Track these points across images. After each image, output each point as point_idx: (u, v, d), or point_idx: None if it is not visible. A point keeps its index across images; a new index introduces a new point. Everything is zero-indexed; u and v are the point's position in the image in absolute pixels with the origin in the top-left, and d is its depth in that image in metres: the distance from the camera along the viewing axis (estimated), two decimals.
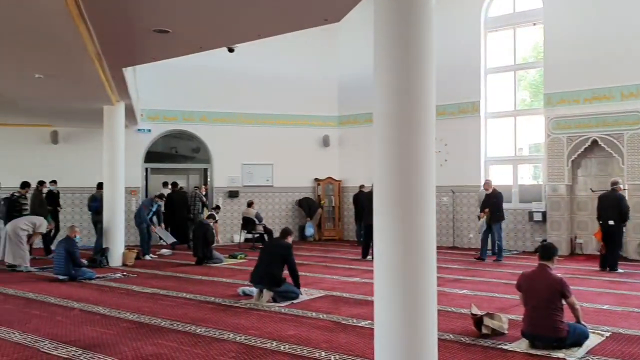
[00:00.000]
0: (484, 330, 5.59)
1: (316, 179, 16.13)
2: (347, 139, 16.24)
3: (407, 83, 3.94)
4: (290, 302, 7.22)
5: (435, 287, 4.02)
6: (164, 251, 12.44)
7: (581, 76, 12.40)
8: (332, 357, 4.93)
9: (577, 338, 5.14)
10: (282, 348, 5.22)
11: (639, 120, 11.62)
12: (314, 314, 6.63)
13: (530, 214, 13.23)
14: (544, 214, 12.95)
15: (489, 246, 11.84)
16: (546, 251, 5.35)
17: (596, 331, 5.66)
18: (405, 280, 3.85)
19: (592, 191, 12.27)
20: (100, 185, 12.06)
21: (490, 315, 5.70)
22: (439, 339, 5.09)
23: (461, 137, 14.07)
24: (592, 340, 5.33)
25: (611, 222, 9.97)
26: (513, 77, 14.08)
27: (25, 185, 11.45)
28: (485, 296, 7.76)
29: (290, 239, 7.60)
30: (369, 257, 11.19)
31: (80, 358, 4.92)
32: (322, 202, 16.00)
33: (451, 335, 5.62)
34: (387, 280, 3.89)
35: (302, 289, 7.80)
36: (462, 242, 14.28)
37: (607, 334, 5.62)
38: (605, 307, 6.98)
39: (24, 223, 10.29)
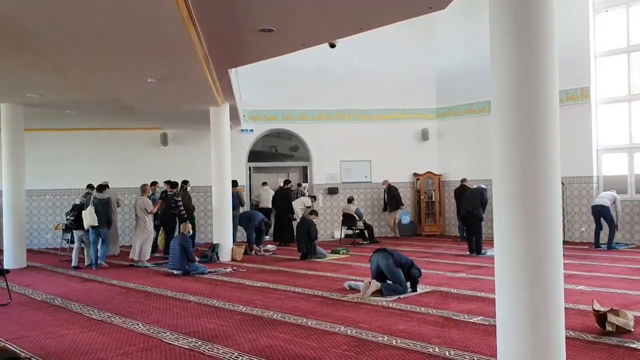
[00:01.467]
0: (608, 328, 5.28)
1: (415, 174, 15.93)
2: (446, 132, 15.91)
3: (529, 67, 3.74)
4: (397, 296, 7.18)
5: (562, 283, 3.83)
6: (269, 247, 12.78)
7: None
8: (447, 353, 4.85)
9: None
10: (394, 342, 5.20)
11: None
12: (422, 309, 6.55)
13: None
14: None
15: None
16: None
17: None
18: (530, 276, 3.69)
19: None
20: (234, 184, 12.98)
21: (615, 312, 5.37)
22: None
23: (570, 126, 13.27)
24: None
25: None
26: (627, 60, 13.16)
27: (175, 184, 12.04)
28: (604, 292, 7.32)
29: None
30: (483, 251, 11.00)
31: (201, 349, 5.15)
32: (422, 197, 15.78)
33: (572, 333, 5.34)
34: (510, 276, 3.75)
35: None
36: (573, 236, 13.56)
37: None
38: None
39: None
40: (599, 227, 12.14)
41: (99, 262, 10.49)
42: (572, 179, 13.45)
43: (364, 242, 13.66)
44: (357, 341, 5.27)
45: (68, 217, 10.85)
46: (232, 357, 4.88)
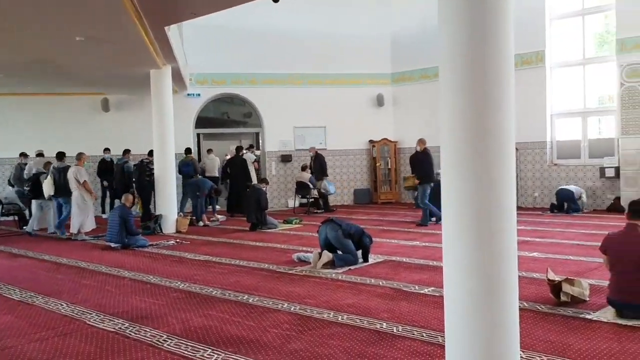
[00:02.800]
0: (563, 298, 5.03)
1: (371, 141, 15.56)
2: (402, 98, 15.54)
3: (483, 28, 3.28)
4: (347, 267, 6.83)
5: (515, 253, 3.49)
6: (218, 217, 12.27)
7: None
8: (395, 329, 4.51)
9: None
10: (339, 319, 4.83)
11: None
12: (373, 280, 6.21)
13: (602, 170, 12.30)
14: (617, 169, 12.00)
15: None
16: (637, 209, 4.68)
17: None
18: (481, 245, 3.33)
19: None
20: (188, 151, 13.00)
21: (570, 281, 5.13)
22: None
23: (525, 90, 13.08)
24: None
25: None
26: (581, 23, 12.95)
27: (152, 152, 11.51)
28: (558, 259, 7.14)
29: None
30: (432, 219, 10.64)
31: (127, 331, 4.68)
32: (378, 164, 15.46)
33: (525, 304, 5.08)
34: (459, 246, 3.37)
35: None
36: (526, 202, 13.51)
37: None
38: None
39: None
40: (559, 207, 12.05)
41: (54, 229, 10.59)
42: (525, 144, 13.33)
43: (319, 211, 13.29)
44: (300, 319, 4.88)
45: (25, 186, 11.21)
46: (160, 340, 4.42)
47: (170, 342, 4.36)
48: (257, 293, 5.81)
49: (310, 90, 14.83)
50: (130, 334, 4.59)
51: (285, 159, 14.88)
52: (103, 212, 13.42)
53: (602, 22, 13.27)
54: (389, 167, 15.59)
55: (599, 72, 12.98)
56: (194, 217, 11.60)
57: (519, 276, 6.23)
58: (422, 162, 10.78)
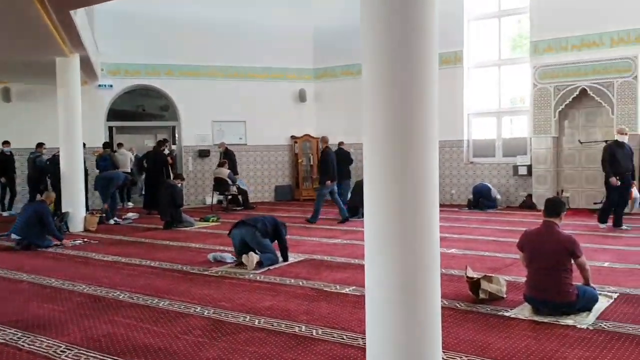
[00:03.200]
0: (481, 295, 5.02)
1: (293, 137, 15.36)
2: (325, 93, 15.43)
3: (406, 24, 3.14)
4: (267, 268, 6.57)
5: (438, 248, 3.38)
6: (130, 215, 11.65)
7: (569, 22, 11.73)
8: (314, 332, 4.31)
9: (586, 302, 4.60)
10: (256, 322, 4.58)
11: (629, 68, 11.04)
12: (292, 280, 6.00)
13: (515, 167, 12.72)
14: (529, 167, 12.45)
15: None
16: (553, 206, 4.74)
17: (603, 292, 5.14)
18: (403, 244, 3.19)
19: (580, 143, 11.77)
20: (106, 145, 12.75)
21: (488, 278, 5.13)
22: None
23: (444, 89, 13.17)
24: (601, 304, 4.80)
25: None
26: (497, 25, 13.33)
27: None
28: (476, 255, 7.22)
29: None
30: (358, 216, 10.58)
31: (20, 342, 4.21)
32: (300, 160, 15.28)
33: (445, 302, 5.02)
34: (380, 245, 3.22)
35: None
36: (444, 199, 13.75)
37: (615, 295, 5.10)
38: (606, 264, 6.48)
39: None
40: (475, 203, 12.34)
41: None
42: (443, 143, 13.54)
43: (238, 209, 12.94)
44: (214, 324, 4.59)
45: None
46: (57, 351, 4.01)
47: (69, 354, 3.96)
48: (169, 296, 5.46)
49: (230, 83, 14.42)
50: (22, 346, 4.14)
51: (203, 154, 14.40)
52: (2, 209, 12.46)
53: (517, 25, 13.71)
54: (311, 163, 15.44)
55: (514, 73, 13.41)
56: (104, 215, 10.94)
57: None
58: (321, 162, 10.78)
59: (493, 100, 13.52)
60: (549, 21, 11.96)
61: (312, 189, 15.49)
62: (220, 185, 12.90)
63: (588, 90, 11.45)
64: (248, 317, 4.74)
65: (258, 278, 6.16)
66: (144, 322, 4.67)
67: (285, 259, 6.90)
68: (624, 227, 8.88)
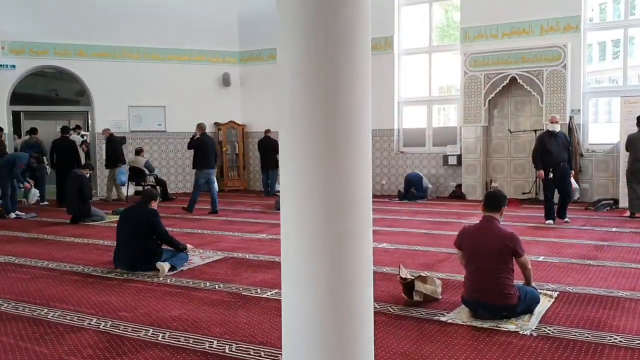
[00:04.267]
0: (416, 297, 4.57)
1: (216, 124, 14.55)
2: (250, 78, 14.70)
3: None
4: (180, 269, 5.88)
5: (371, 249, 2.86)
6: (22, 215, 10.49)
7: (499, 9, 11.59)
8: (227, 348, 3.71)
9: (528, 304, 4.23)
10: (160, 337, 3.92)
11: (559, 56, 10.98)
12: (208, 284, 5.35)
13: (445, 157, 12.52)
14: (458, 157, 12.27)
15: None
16: (493, 200, 4.32)
17: (542, 290, 4.81)
18: (328, 243, 2.63)
19: (510, 132, 11.68)
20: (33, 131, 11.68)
21: (422, 279, 4.69)
22: None
23: (374, 76, 12.84)
24: (543, 305, 4.45)
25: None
26: (428, 10, 13.03)
27: None
28: (408, 250, 6.81)
29: (154, 204, 6.09)
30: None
31: None
32: (224, 148, 14.51)
33: (377, 305, 4.55)
34: (300, 244, 2.65)
35: (198, 251, 6.55)
36: (374, 189, 13.41)
37: (555, 294, 4.78)
38: (541, 258, 6.22)
39: None
40: (406, 193, 12.05)
41: None
42: (374, 132, 13.13)
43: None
44: (110, 340, 3.89)
45: None
46: None
47: None
48: (62, 306, 4.69)
49: (148, 66, 13.43)
50: None
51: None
52: None
53: (449, 11, 13.49)
54: (237, 152, 14.72)
55: (444, 60, 13.19)
56: (3, 208, 9.83)
57: None
58: (195, 149, 10.38)
59: (424, 88, 13.24)
60: (479, 8, 11.76)
61: (237, 179, 14.81)
62: (136, 174, 11.98)
63: (518, 78, 11.34)
64: (151, 330, 4.07)
65: (169, 281, 5.47)
66: (25, 339, 3.92)
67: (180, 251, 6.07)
68: (565, 219, 8.59)
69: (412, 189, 12.07)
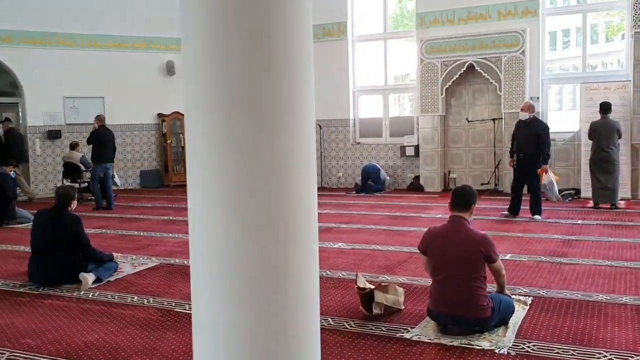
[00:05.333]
0: (376, 310, 3.98)
1: (160, 115, 13.65)
2: None
3: None
4: (107, 280, 5.13)
5: (316, 252, 2.25)
6: None
7: None
8: None
9: (502, 315, 3.70)
10: None
11: (517, 42, 10.58)
12: (136, 298, 4.62)
13: (402, 148, 12.01)
14: (416, 148, 11.78)
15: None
16: (462, 198, 3.74)
17: (515, 296, 4.29)
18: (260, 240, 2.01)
19: (468, 122, 11.26)
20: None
21: (383, 288, 4.09)
22: None
23: (327, 64, 12.33)
24: (518, 314, 3.93)
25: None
26: None
27: None
28: (366, 250, 6.23)
29: (73, 205, 5.30)
30: None
31: None
32: (169, 141, 13.65)
33: (330, 320, 3.95)
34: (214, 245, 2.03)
35: (130, 257, 5.81)
36: (330, 182, 12.83)
37: (530, 301, 4.27)
38: (508, 256, 5.73)
39: None
40: (363, 185, 11.50)
41: None
42: (329, 122, 12.60)
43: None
44: None
45: None
46: None
47: None
48: None
49: (85, 53, 12.40)
50: None
51: (53, 135, 12.32)
52: None
53: (402, 0, 12.99)
54: (182, 145, 13.85)
55: (401, 48, 12.68)
56: None
57: (322, 276, 5.18)
58: (93, 143, 9.86)
59: (379, 77, 12.69)
60: None
61: (183, 174, 13.95)
62: (71, 171, 11.02)
63: (475, 65, 10.89)
64: None
65: (91, 296, 4.71)
66: None
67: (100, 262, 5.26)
68: (535, 216, 7.87)
69: (370, 182, 11.54)
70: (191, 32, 2.06)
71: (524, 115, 7.91)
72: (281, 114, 2.01)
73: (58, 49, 12.23)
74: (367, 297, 4.02)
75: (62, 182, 11.24)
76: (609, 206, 8.57)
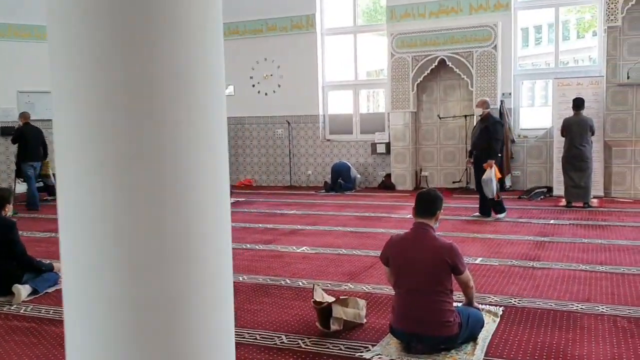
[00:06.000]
0: (334, 326, 3.63)
1: None
2: None
3: None
4: (44, 292, 4.69)
5: (230, 268, 1.86)
6: None
7: None
8: None
9: (471, 330, 3.38)
10: None
11: (489, 36, 10.33)
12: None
13: (374, 145, 11.70)
14: (387, 145, 11.47)
15: None
16: (426, 203, 3.40)
17: (485, 306, 3.99)
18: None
19: (440, 118, 10.98)
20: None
21: (342, 302, 3.75)
22: (262, 347, 3.10)
23: (296, 58, 12.00)
24: (488, 328, 3.62)
25: None
26: None
27: None
28: (331, 254, 5.88)
29: (8, 210, 4.83)
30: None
31: None
32: None
33: (284, 338, 3.59)
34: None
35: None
36: (300, 180, 12.46)
37: (500, 311, 3.96)
38: (478, 260, 5.44)
39: None
40: (333, 184, 11.15)
41: None
42: (298, 118, 12.22)
43: (50, 198, 10.57)
44: None
45: None
46: None
47: None
48: None
49: (40, 46, 11.80)
50: None
51: (7, 131, 11.71)
52: None
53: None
54: None
55: (372, 42, 12.36)
56: None
57: (283, 285, 4.82)
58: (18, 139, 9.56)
59: (350, 72, 12.35)
60: None
61: None
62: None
63: (447, 60, 10.61)
64: None
65: (22, 311, 4.27)
66: None
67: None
68: (490, 217, 7.67)
69: (340, 180, 11.21)
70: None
71: (479, 112, 7.69)
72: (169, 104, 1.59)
73: (10, 41, 11.64)
74: (324, 312, 3.67)
75: (15, 182, 10.67)
76: (581, 205, 8.37)
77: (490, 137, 7.44)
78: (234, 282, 4.87)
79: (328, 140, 12.27)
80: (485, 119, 7.61)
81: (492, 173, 7.41)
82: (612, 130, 9.13)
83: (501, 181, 7.64)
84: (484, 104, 7.70)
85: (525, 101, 11.65)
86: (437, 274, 3.21)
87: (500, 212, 7.65)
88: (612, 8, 8.93)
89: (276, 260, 5.61)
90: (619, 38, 9.08)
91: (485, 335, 3.51)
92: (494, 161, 7.46)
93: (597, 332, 3.57)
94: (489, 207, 7.68)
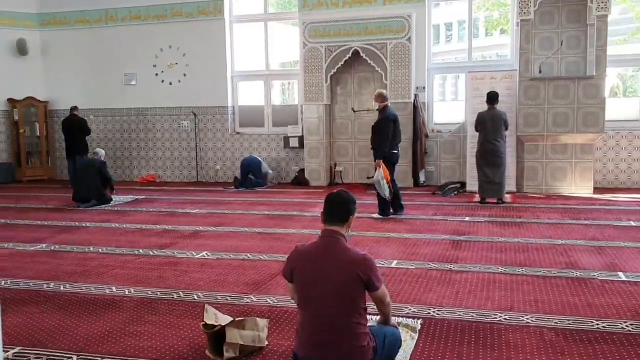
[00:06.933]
0: (227, 353, 3.06)
1: (11, 100, 11.88)
2: (54, 46, 12.22)
3: None
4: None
5: None
6: None
7: None
8: None
9: (388, 353, 2.90)
10: None
11: (404, 28, 10.04)
12: None
13: (286, 139, 11.17)
14: (300, 139, 10.98)
15: None
16: (336, 207, 2.86)
17: (402, 319, 3.57)
18: None
19: (354, 112, 10.61)
20: None
21: (238, 324, 3.18)
22: None
23: (203, 47, 11.28)
24: (406, 346, 3.18)
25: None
26: None
27: None
28: (233, 260, 5.30)
29: None
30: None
31: None
32: (22, 130, 11.90)
33: None
34: None
35: None
36: (207, 176, 11.73)
37: (419, 325, 3.55)
38: (394, 264, 5.04)
39: None
40: (243, 180, 10.49)
41: None
42: (205, 109, 11.52)
43: None
44: None
45: None
46: None
47: None
48: None
49: None
50: None
51: None
52: None
53: None
54: (38, 134, 12.16)
55: (286, 32, 11.81)
56: None
57: (177, 300, 4.18)
58: None
59: (261, 62, 11.73)
60: None
61: (39, 167, 12.29)
62: None
63: (361, 52, 10.25)
64: None
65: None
66: None
67: None
68: (396, 214, 7.37)
69: (251, 175, 10.59)
70: None
71: (375, 105, 7.36)
72: None
73: None
74: (215, 338, 3.09)
75: None
76: (495, 201, 8.23)
77: (376, 134, 7.08)
78: (117, 298, 4.18)
79: (238, 133, 11.62)
80: (381, 113, 7.26)
81: (380, 173, 7.06)
82: (525, 124, 9.09)
83: (392, 181, 7.20)
84: (379, 97, 7.34)
85: (436, 96, 11.50)
86: (348, 290, 2.70)
87: (398, 211, 7.33)
88: (525, 1, 8.86)
89: (170, 268, 4.96)
90: (531, 32, 9.04)
91: (403, 356, 3.07)
92: (381, 160, 7.11)
93: (524, 348, 3.21)
94: (388, 206, 7.33)
